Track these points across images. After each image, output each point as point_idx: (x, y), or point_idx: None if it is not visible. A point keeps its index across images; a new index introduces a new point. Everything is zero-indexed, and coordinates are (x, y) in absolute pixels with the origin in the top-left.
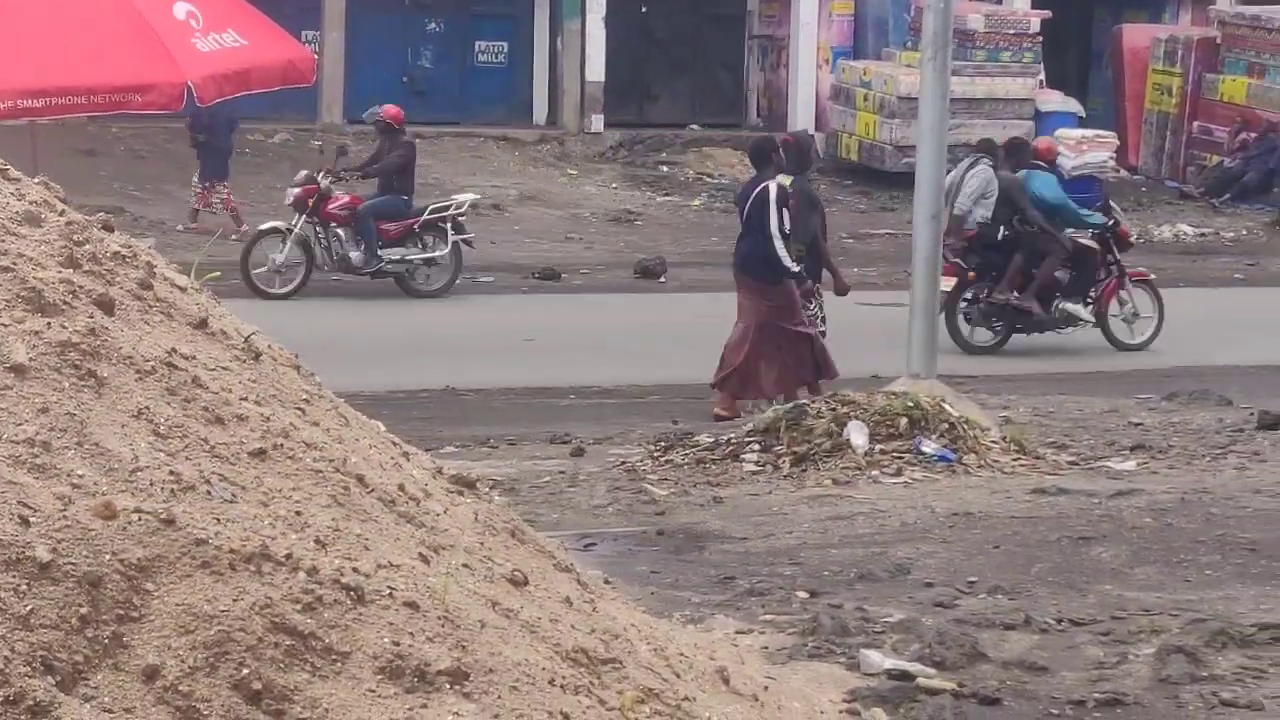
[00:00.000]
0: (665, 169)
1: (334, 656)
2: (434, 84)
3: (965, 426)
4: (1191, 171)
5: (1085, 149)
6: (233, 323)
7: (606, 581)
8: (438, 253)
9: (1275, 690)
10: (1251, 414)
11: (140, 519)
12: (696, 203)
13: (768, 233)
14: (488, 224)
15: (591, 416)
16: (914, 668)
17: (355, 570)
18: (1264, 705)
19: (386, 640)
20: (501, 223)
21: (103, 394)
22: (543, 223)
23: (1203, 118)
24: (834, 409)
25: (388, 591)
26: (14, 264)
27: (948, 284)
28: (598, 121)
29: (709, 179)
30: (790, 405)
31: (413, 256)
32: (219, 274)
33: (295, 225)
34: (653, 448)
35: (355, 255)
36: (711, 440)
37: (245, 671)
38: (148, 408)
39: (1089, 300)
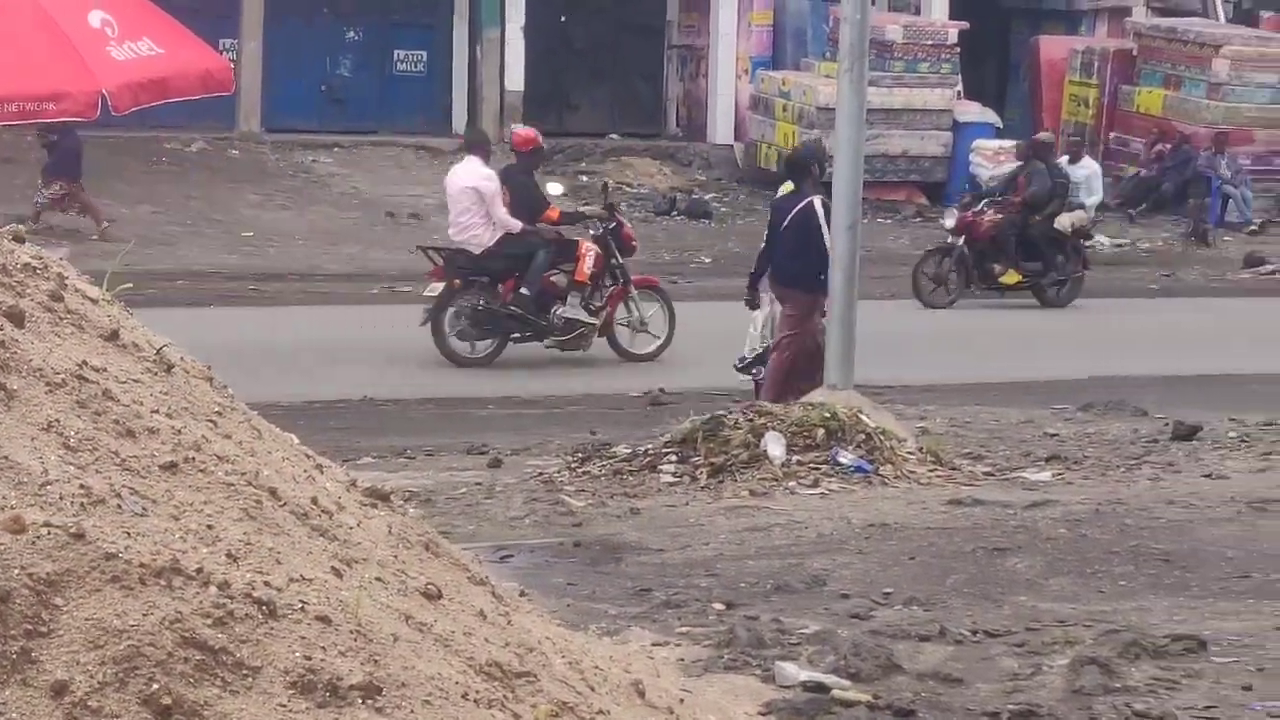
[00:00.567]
0: (585, 178)
1: (245, 671)
2: (352, 93)
3: (882, 437)
4: (1108, 183)
5: (1002, 159)
6: (145, 335)
7: (522, 594)
8: None
9: (1188, 701)
10: (1166, 425)
11: (50, 533)
12: None
13: (822, 251)
14: (408, 233)
15: (510, 427)
16: (829, 680)
17: (267, 584)
18: (1177, 716)
19: (298, 655)
20: (421, 231)
21: (12, 407)
22: None
23: (1119, 129)
24: (751, 420)
25: (300, 606)
26: None
27: None
28: None
29: (628, 188)
30: (707, 416)
31: None
32: (131, 285)
33: None
34: (570, 459)
35: None
36: (629, 451)
37: (155, 687)
38: (58, 420)
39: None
